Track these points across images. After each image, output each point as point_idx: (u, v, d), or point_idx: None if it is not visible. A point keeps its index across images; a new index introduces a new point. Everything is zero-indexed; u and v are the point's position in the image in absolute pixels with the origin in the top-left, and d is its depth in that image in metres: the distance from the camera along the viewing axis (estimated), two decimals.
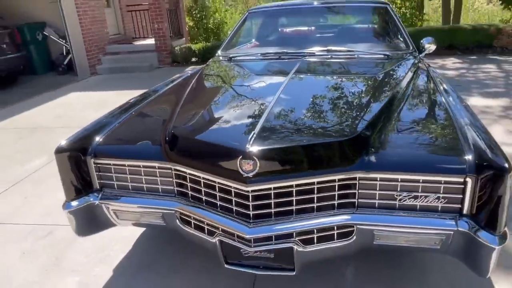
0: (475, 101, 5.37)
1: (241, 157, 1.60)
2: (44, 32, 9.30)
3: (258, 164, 1.59)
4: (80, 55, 9.07)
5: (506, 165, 1.50)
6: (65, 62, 9.32)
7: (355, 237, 1.73)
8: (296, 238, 1.72)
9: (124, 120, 2.27)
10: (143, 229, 2.78)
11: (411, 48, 3.19)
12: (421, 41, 3.36)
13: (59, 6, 8.48)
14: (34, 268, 2.48)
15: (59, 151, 1.99)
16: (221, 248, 1.82)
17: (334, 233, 1.74)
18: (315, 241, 1.74)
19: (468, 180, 1.56)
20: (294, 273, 1.80)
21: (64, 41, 9.14)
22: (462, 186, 1.59)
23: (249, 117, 1.98)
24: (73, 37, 8.84)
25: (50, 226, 2.94)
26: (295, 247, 1.71)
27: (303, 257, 1.75)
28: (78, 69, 9.06)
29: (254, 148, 1.61)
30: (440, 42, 9.24)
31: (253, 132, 1.69)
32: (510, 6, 13.59)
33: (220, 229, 1.79)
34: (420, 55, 3.20)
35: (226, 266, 1.87)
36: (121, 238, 2.71)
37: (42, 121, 5.72)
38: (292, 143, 1.74)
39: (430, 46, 3.31)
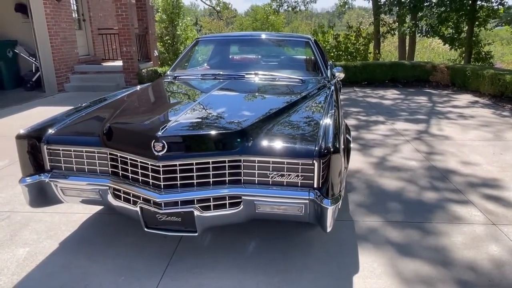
0: (399, 125, 6.21)
1: (154, 140, 2.20)
2: (15, 50, 9.75)
3: (166, 146, 2.19)
4: (48, 73, 9.52)
5: (332, 150, 2.17)
6: (33, 79, 9.73)
7: (242, 206, 2.33)
8: (197, 205, 2.31)
9: (73, 118, 2.84)
10: (89, 214, 3.29)
11: (324, 75, 3.93)
12: (333, 69, 4.13)
13: (32, 27, 8.99)
14: None
15: (19, 137, 2.54)
16: (141, 215, 2.39)
17: (226, 202, 2.34)
18: (212, 208, 2.33)
19: (315, 162, 2.21)
20: (196, 234, 2.37)
21: (34, 59, 9.59)
22: (312, 167, 2.24)
23: (169, 116, 2.60)
24: (43, 56, 9.31)
25: (8, 212, 3.40)
26: (196, 211, 2.29)
27: (202, 220, 2.34)
28: (46, 86, 9.49)
29: (164, 135, 2.22)
30: (384, 76, 10.29)
31: (166, 125, 2.31)
32: (456, 47, 15.15)
33: (141, 198, 2.36)
34: (333, 81, 3.94)
35: (146, 229, 2.43)
36: (69, 222, 3.21)
37: (7, 131, 6.13)
38: (192, 132, 2.36)
39: (340, 74, 4.09)
